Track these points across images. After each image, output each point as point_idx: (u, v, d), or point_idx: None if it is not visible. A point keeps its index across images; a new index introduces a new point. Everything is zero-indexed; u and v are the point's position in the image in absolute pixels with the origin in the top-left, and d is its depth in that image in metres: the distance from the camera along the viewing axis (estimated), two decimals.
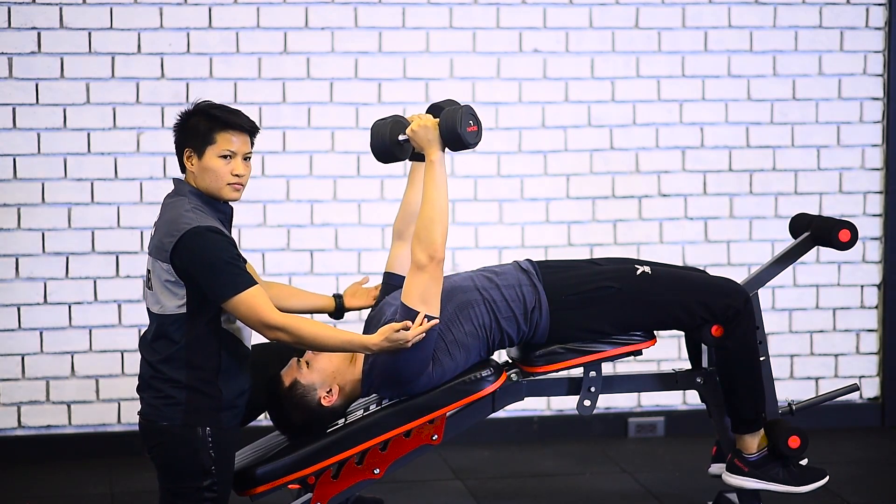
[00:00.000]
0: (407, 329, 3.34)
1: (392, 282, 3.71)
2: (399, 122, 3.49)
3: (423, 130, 3.41)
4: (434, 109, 3.68)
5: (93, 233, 4.86)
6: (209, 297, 3.27)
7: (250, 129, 3.37)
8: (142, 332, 3.45)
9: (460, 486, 4.61)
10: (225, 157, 3.33)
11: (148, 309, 3.38)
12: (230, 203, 3.41)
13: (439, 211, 3.38)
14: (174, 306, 3.29)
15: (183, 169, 3.39)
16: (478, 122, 3.40)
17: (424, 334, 3.38)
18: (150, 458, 3.39)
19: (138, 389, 3.40)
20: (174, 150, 3.40)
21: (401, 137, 3.48)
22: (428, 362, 3.47)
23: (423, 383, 3.49)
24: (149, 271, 3.35)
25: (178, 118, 3.38)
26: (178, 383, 3.31)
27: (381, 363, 3.45)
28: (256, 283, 3.27)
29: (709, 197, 5.19)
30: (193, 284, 3.27)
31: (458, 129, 3.35)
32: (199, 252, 3.24)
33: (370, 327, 3.61)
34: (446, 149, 3.42)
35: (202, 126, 3.33)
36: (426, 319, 3.38)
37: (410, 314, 3.38)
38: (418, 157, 3.60)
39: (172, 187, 3.42)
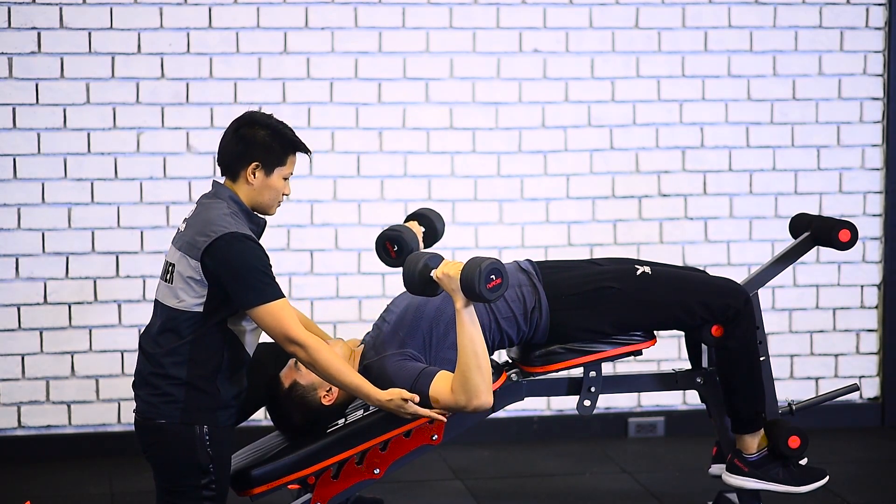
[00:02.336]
0: (416, 402, 3.37)
1: None
2: (427, 266, 3.40)
3: (447, 280, 3.35)
4: (415, 218, 3.82)
5: (93, 233, 4.86)
6: (234, 303, 3.28)
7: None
8: (142, 331, 3.44)
9: (460, 486, 4.61)
10: (286, 178, 3.41)
11: (159, 301, 3.38)
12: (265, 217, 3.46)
13: (474, 358, 3.36)
14: (193, 304, 3.30)
15: (233, 176, 3.38)
16: (502, 275, 3.32)
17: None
18: (146, 457, 3.39)
19: (134, 386, 3.40)
20: (229, 158, 3.37)
21: (431, 275, 3.42)
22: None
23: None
24: (171, 265, 3.35)
25: (238, 129, 3.37)
26: (178, 380, 3.31)
27: (376, 371, 3.47)
28: (284, 297, 3.29)
29: (709, 197, 5.19)
30: (219, 287, 3.28)
31: (476, 288, 3.30)
32: (233, 257, 3.25)
33: (369, 330, 3.63)
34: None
35: (276, 146, 3.37)
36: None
37: (425, 400, 3.39)
38: None
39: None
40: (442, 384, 3.40)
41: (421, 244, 3.81)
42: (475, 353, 3.36)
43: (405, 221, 3.91)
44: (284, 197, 3.44)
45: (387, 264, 3.78)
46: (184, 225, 3.39)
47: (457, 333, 3.38)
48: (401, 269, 3.49)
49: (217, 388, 3.33)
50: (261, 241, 3.37)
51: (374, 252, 4.96)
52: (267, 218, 3.47)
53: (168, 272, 3.36)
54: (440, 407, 3.40)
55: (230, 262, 3.25)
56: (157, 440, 3.34)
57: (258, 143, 3.36)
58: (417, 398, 3.37)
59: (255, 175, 3.37)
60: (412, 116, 5.00)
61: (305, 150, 3.44)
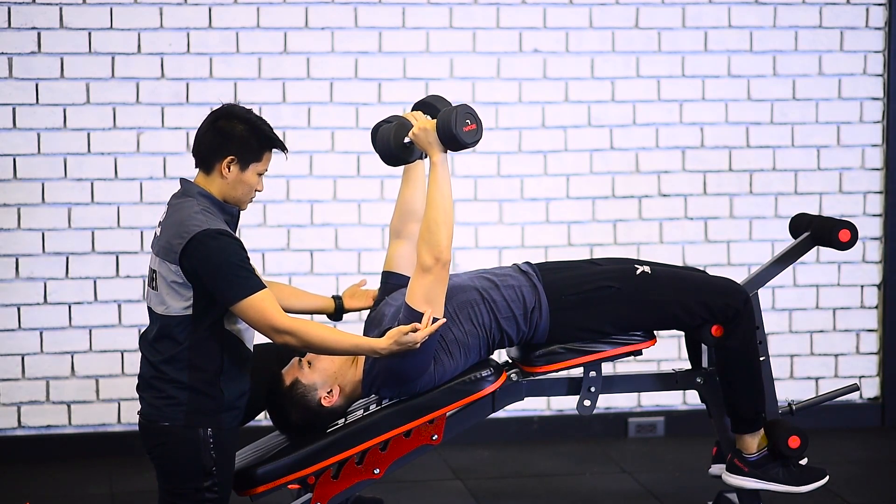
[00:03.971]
0: (415, 331, 3.34)
1: (391, 281, 3.71)
2: (402, 126, 3.48)
3: (423, 133, 3.40)
4: (421, 107, 3.69)
5: (93, 233, 4.86)
6: (218, 300, 3.26)
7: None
8: (141, 332, 3.44)
9: (460, 486, 4.61)
10: (261, 174, 3.38)
11: (150, 308, 3.36)
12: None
13: (443, 212, 3.38)
14: (180, 308, 3.28)
15: (207, 168, 3.35)
16: (476, 121, 3.37)
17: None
18: (150, 459, 3.39)
19: (138, 389, 3.39)
20: (205, 150, 3.34)
21: (405, 140, 3.48)
22: (430, 362, 3.47)
23: (425, 382, 3.49)
24: (154, 271, 3.34)
25: (216, 121, 3.35)
26: (181, 384, 3.30)
27: (383, 362, 3.45)
28: (265, 287, 3.26)
29: (709, 197, 5.19)
30: (201, 287, 3.26)
31: (453, 130, 3.34)
32: (209, 255, 3.23)
33: (370, 328, 3.61)
34: (448, 150, 3.42)
35: (253, 142, 3.34)
36: (432, 320, 3.38)
37: (414, 315, 3.37)
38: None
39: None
40: (410, 284, 3.40)
41: None
42: (444, 210, 3.37)
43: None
44: (257, 192, 3.41)
45: None
46: (159, 228, 3.36)
47: (428, 186, 3.39)
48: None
49: (220, 391, 3.32)
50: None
51: (374, 252, 5.00)
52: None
53: (153, 279, 3.34)
54: (420, 297, 3.37)
55: (207, 261, 3.23)
56: (160, 442, 3.33)
57: (235, 138, 3.33)
58: (417, 325, 3.34)
59: (229, 169, 3.33)
60: None
61: (282, 148, 3.40)
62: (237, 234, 3.38)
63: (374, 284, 5.04)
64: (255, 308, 3.24)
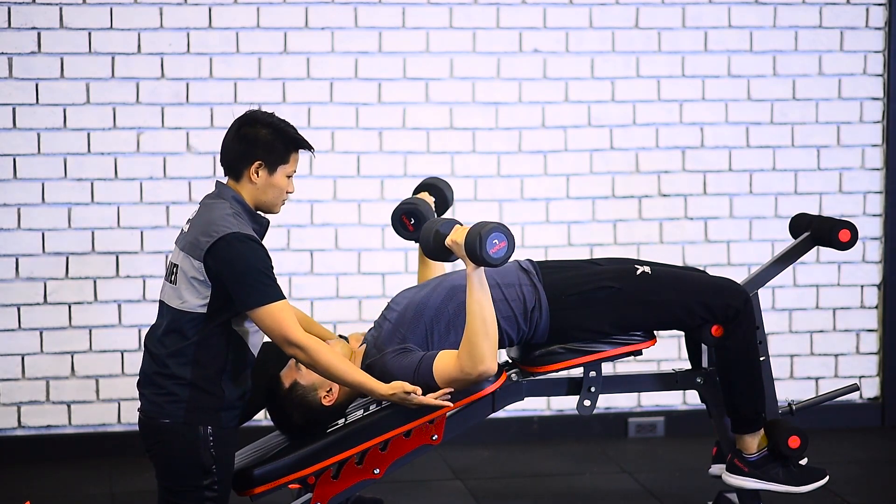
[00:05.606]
0: (419, 394, 3.37)
1: None
2: (440, 234, 3.46)
3: (457, 247, 3.39)
4: (424, 188, 3.86)
5: (93, 233, 4.86)
6: (236, 304, 3.28)
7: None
8: (143, 332, 3.45)
9: (460, 486, 4.61)
10: (290, 176, 3.40)
11: (163, 302, 3.38)
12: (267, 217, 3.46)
13: (482, 323, 3.37)
14: (196, 304, 3.30)
15: (237, 175, 3.38)
16: (505, 238, 3.36)
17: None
18: (150, 457, 3.39)
19: (139, 385, 3.40)
20: (232, 158, 3.38)
21: (445, 243, 3.47)
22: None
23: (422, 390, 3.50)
24: (175, 266, 3.36)
25: (240, 128, 3.38)
26: (183, 380, 3.31)
27: (379, 369, 3.47)
28: (285, 298, 3.29)
29: (709, 197, 5.19)
30: (221, 287, 3.28)
31: (479, 255, 3.34)
32: (235, 257, 3.25)
33: (370, 329, 3.63)
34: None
35: (279, 144, 3.37)
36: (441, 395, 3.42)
37: (429, 385, 3.40)
38: None
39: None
40: (445, 359, 3.41)
41: (434, 214, 3.83)
42: (483, 319, 3.37)
43: (414, 193, 3.93)
44: (288, 194, 3.44)
45: (405, 238, 3.82)
46: (187, 226, 3.39)
47: (467, 299, 3.39)
48: (416, 243, 3.52)
49: (221, 389, 3.33)
50: (262, 240, 3.38)
51: (373, 252, 5.00)
52: (269, 217, 3.47)
53: (172, 273, 3.37)
54: (445, 383, 3.40)
55: (232, 263, 3.26)
56: (160, 440, 3.34)
57: (260, 142, 3.36)
58: (420, 390, 3.37)
59: (258, 174, 3.37)
60: (412, 116, 5.00)
61: (308, 147, 3.44)
62: None
63: (373, 284, 5.06)
64: (272, 317, 3.26)
